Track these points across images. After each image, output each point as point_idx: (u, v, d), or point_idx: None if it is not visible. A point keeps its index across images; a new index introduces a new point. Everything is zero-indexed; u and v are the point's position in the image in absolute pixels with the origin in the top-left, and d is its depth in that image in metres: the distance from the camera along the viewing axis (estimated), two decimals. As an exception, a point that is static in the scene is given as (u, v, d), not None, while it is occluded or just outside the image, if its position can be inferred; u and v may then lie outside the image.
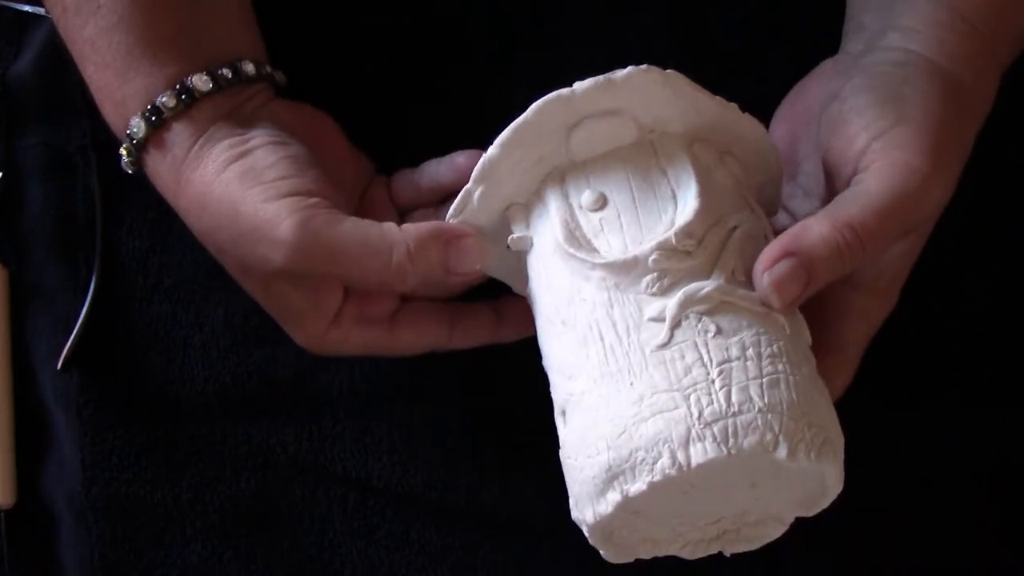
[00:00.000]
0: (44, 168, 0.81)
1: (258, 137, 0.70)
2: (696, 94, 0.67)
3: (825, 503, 0.64)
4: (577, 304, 0.64)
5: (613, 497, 0.61)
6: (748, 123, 0.68)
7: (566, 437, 0.64)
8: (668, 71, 0.66)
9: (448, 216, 0.69)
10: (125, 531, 0.79)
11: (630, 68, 0.66)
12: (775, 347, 0.62)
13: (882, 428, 0.78)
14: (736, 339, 0.62)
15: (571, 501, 0.64)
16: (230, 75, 0.70)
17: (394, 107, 0.77)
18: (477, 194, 0.68)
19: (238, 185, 0.68)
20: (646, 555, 0.66)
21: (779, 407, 0.61)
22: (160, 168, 0.71)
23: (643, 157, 0.67)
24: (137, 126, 0.70)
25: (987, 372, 0.79)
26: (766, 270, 0.63)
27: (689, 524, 0.65)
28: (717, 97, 0.67)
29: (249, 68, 0.71)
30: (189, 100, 0.70)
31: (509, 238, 0.68)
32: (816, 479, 0.63)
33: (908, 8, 0.72)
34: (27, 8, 0.80)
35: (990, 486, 0.80)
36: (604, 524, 0.62)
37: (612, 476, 0.61)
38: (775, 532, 0.66)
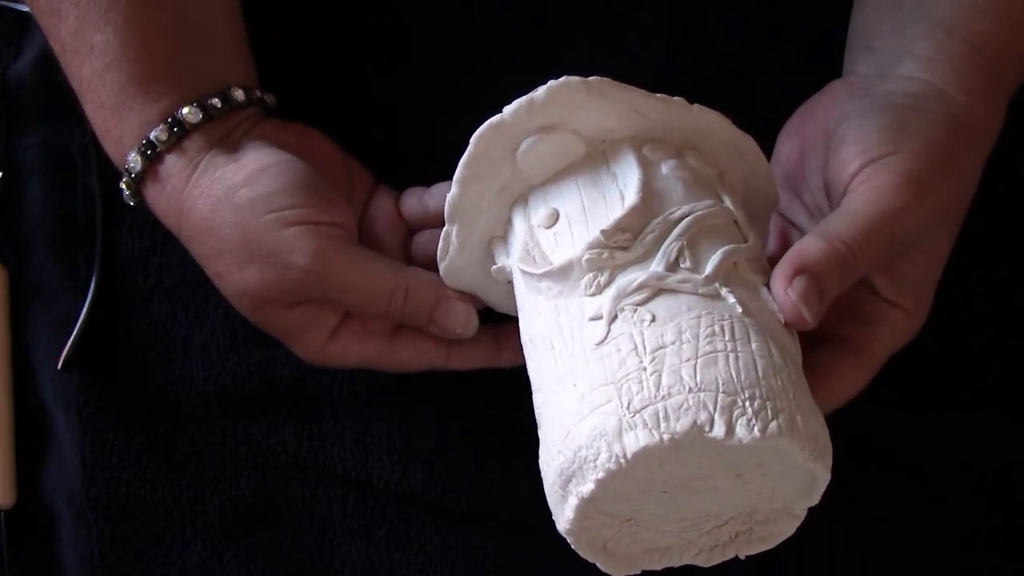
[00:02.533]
0: (44, 168, 0.81)
1: (256, 160, 0.70)
2: (630, 96, 0.66)
3: (821, 487, 0.62)
4: (537, 320, 0.65)
5: (572, 502, 0.61)
6: (703, 115, 0.67)
7: (540, 451, 0.64)
8: (591, 78, 0.65)
9: (438, 260, 0.70)
10: (125, 531, 0.79)
11: (550, 82, 0.65)
12: (717, 326, 0.61)
13: (886, 430, 0.78)
14: (672, 324, 0.61)
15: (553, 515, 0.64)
16: (219, 104, 0.71)
17: (391, 112, 0.77)
18: (453, 234, 0.68)
19: (249, 211, 0.69)
20: (655, 566, 0.65)
21: (713, 384, 0.59)
22: (159, 199, 0.72)
23: (595, 166, 0.67)
24: (134, 161, 0.71)
25: (994, 375, 0.79)
26: (787, 288, 0.64)
27: (694, 528, 0.64)
28: (658, 95, 0.66)
29: (239, 95, 0.72)
30: (181, 132, 0.71)
31: (492, 269, 0.69)
32: (788, 460, 0.60)
33: (923, 37, 0.72)
34: (27, 8, 0.80)
35: (994, 490, 0.79)
36: (578, 530, 0.62)
37: (566, 480, 0.61)
38: (789, 528, 0.64)
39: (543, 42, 0.76)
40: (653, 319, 0.61)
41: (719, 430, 0.58)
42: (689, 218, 0.64)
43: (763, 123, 0.70)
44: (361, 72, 0.77)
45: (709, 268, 0.63)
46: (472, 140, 0.66)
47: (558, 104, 0.65)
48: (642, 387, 0.59)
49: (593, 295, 0.63)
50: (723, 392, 0.59)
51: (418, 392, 0.77)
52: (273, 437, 0.78)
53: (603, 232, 0.63)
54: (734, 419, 0.59)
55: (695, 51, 0.76)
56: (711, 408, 0.59)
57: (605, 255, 0.63)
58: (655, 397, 0.59)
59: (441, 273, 0.70)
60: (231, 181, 0.70)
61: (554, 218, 0.66)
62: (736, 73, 0.77)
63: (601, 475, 0.59)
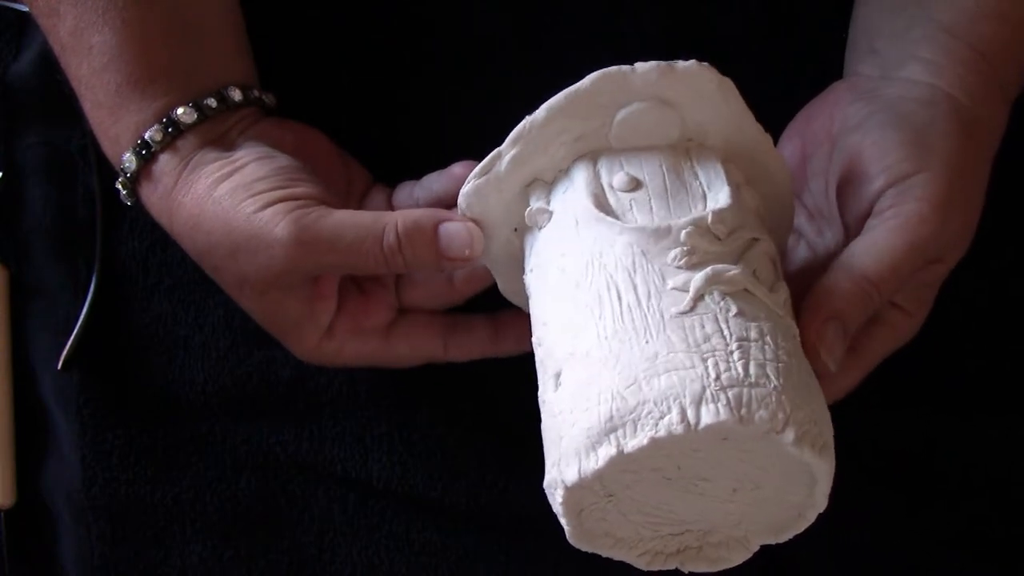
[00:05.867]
0: (44, 168, 0.81)
1: (244, 156, 0.70)
2: (741, 108, 0.68)
3: (799, 528, 0.64)
4: (596, 267, 0.64)
5: (606, 452, 0.60)
6: (777, 161, 0.69)
7: (558, 396, 0.63)
8: (725, 77, 0.67)
9: (471, 176, 0.68)
10: (125, 531, 0.79)
11: (692, 61, 0.66)
12: (789, 345, 0.62)
13: (882, 433, 0.78)
14: (755, 325, 0.62)
15: (549, 463, 0.62)
16: (215, 104, 0.71)
17: (391, 113, 0.77)
18: (508, 157, 0.67)
19: (229, 200, 0.69)
20: (604, 550, 0.64)
21: (792, 392, 0.60)
22: (152, 199, 0.72)
23: (677, 157, 0.67)
24: (129, 161, 0.71)
25: (994, 379, 0.79)
26: (818, 340, 0.65)
27: (653, 528, 0.64)
28: (758, 124, 0.68)
29: (236, 95, 0.72)
30: (175, 132, 0.71)
31: (527, 211, 0.68)
32: (801, 489, 0.62)
33: (926, 39, 0.72)
34: (27, 8, 0.80)
35: (992, 494, 0.79)
36: (586, 484, 0.61)
37: (611, 428, 0.60)
38: (737, 557, 0.65)
39: (543, 44, 0.76)
40: (739, 312, 0.62)
41: (789, 436, 0.59)
42: (761, 243, 0.66)
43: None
44: (362, 74, 0.77)
45: (783, 292, 0.65)
46: (591, 77, 0.66)
47: (686, 85, 0.66)
48: (729, 367, 0.60)
49: (680, 268, 0.63)
50: (799, 404, 0.60)
51: (418, 392, 0.77)
52: (273, 437, 0.78)
53: (713, 212, 0.64)
54: (802, 432, 0.60)
55: (694, 53, 0.76)
56: (787, 411, 0.60)
57: (704, 238, 0.64)
58: (742, 381, 0.60)
59: (462, 190, 0.69)
60: (214, 176, 0.70)
61: (633, 185, 0.66)
62: (735, 75, 0.76)
63: (661, 434, 0.59)
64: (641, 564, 0.65)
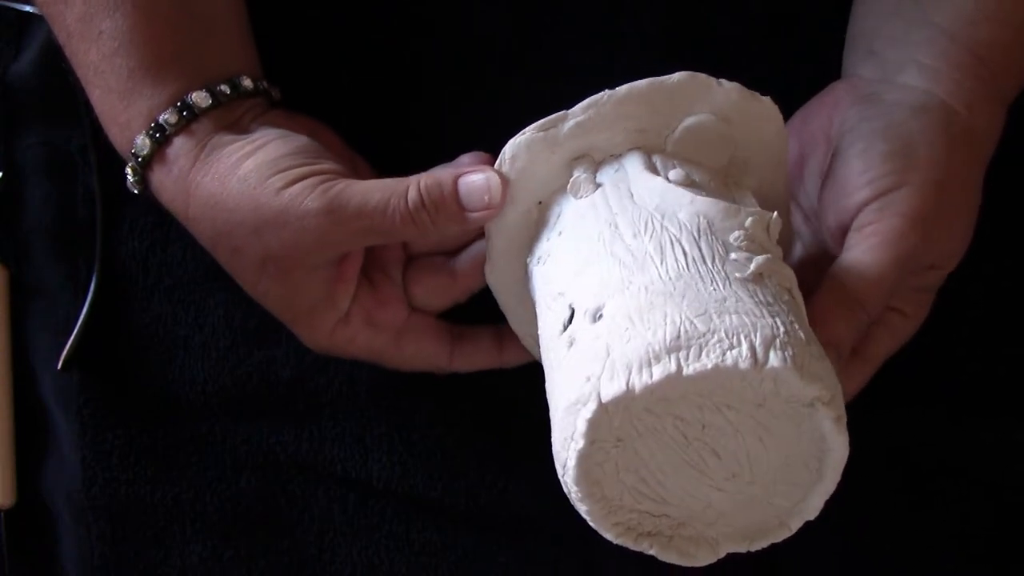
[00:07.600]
0: (44, 168, 0.81)
1: (265, 136, 0.71)
2: (785, 158, 0.70)
3: (777, 537, 0.64)
4: (657, 226, 0.65)
5: (664, 368, 0.59)
6: (787, 215, 0.72)
7: (599, 325, 0.62)
8: (786, 125, 0.70)
9: (528, 128, 0.68)
10: (125, 531, 0.79)
11: (768, 97, 0.68)
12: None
13: (875, 435, 0.78)
14: (800, 317, 0.63)
15: (580, 380, 0.61)
16: (228, 90, 0.71)
17: (391, 113, 0.77)
18: (574, 121, 0.68)
19: (256, 177, 0.69)
20: (588, 509, 0.63)
21: (836, 375, 0.62)
22: (166, 182, 0.72)
23: (719, 182, 0.69)
24: (142, 144, 0.71)
25: (987, 382, 0.79)
26: None
27: (636, 498, 0.64)
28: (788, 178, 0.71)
29: (247, 83, 0.72)
30: (190, 116, 0.71)
31: (572, 178, 0.68)
32: (790, 497, 0.63)
33: (926, 43, 0.72)
34: (27, 8, 0.80)
35: (984, 497, 0.79)
36: (624, 403, 0.60)
37: (676, 347, 0.59)
38: (703, 558, 0.65)
39: (543, 44, 0.76)
40: (789, 300, 0.64)
41: (831, 412, 0.61)
42: (785, 268, 0.67)
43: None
44: (362, 74, 0.77)
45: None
46: (680, 74, 0.67)
47: (757, 116, 0.69)
48: (793, 332, 0.61)
49: (740, 249, 0.64)
50: (839, 387, 0.62)
51: (418, 392, 0.77)
52: (273, 437, 0.78)
53: (777, 215, 0.66)
54: (838, 413, 0.61)
55: (694, 53, 0.76)
56: (833, 389, 0.61)
57: (764, 233, 0.66)
58: (805, 345, 0.61)
59: (512, 140, 0.68)
60: (236, 155, 0.70)
61: (689, 183, 0.67)
62: (735, 75, 0.76)
63: (728, 363, 0.59)
64: (611, 535, 0.64)
